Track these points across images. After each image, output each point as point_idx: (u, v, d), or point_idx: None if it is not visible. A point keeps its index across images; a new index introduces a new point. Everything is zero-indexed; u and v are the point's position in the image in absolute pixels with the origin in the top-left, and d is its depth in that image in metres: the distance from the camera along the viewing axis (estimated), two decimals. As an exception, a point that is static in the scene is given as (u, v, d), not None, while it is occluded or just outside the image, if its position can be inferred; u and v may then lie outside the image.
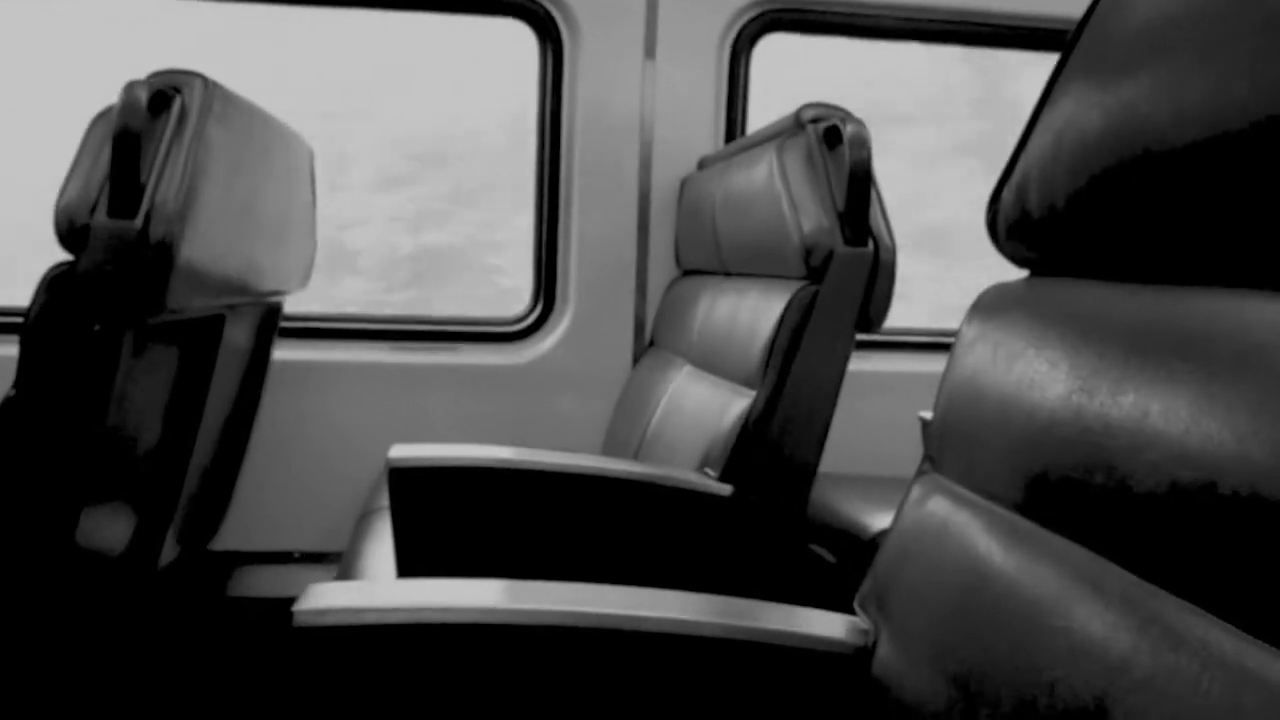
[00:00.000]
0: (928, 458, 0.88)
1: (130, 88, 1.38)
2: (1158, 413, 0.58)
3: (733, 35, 2.39)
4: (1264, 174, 0.55)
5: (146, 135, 1.37)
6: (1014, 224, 0.81)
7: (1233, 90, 0.58)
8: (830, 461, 1.75)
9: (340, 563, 1.83)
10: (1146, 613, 0.55)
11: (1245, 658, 0.49)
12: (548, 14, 2.35)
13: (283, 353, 2.26)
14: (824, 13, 2.42)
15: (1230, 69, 0.58)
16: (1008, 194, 0.83)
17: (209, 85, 1.46)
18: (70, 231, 1.34)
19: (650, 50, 2.35)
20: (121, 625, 1.74)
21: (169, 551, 1.88)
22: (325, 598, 0.81)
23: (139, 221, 1.33)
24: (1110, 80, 0.71)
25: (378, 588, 1.00)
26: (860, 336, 1.56)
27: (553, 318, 2.43)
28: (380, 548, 1.74)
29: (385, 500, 1.90)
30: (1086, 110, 0.73)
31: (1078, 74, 0.76)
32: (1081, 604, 0.59)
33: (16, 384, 1.35)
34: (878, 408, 2.13)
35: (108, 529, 1.63)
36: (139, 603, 1.81)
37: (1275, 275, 0.56)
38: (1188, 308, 0.60)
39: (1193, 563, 0.53)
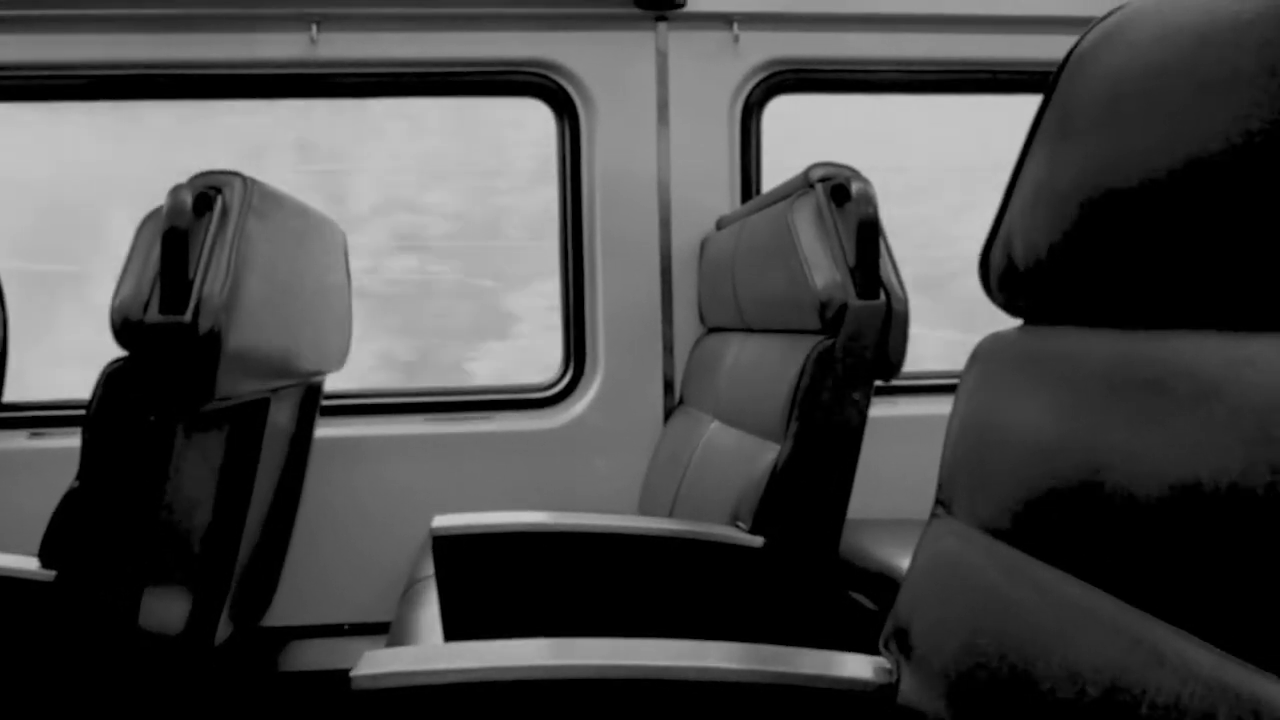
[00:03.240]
0: (939, 501, 0.92)
1: (176, 191, 1.47)
2: (1133, 450, 0.62)
3: (742, 98, 2.48)
4: (1209, 222, 0.61)
5: (192, 234, 1.46)
6: (1003, 276, 0.87)
7: (1179, 145, 0.63)
8: (863, 507, 1.79)
9: (389, 632, 1.89)
10: (1134, 636, 0.59)
11: (1222, 673, 0.53)
12: (562, 90, 2.45)
13: (324, 430, 2.34)
14: (830, 72, 2.50)
15: (1176, 126, 0.64)
16: (996, 248, 0.88)
17: (247, 183, 1.56)
18: (125, 328, 1.43)
19: (663, 116, 2.45)
20: (181, 704, 1.80)
21: (223, 629, 1.94)
22: (380, 663, 0.87)
23: (188, 316, 1.42)
24: (1077, 138, 0.77)
25: (429, 651, 1.06)
26: (881, 383, 1.61)
27: (584, 381, 2.50)
28: (427, 615, 1.79)
29: (430, 569, 1.96)
30: (1058, 167, 0.79)
31: (1050, 132, 0.82)
32: (1078, 632, 0.64)
33: (80, 474, 1.43)
34: (905, 451, 2.16)
35: (167, 610, 1.69)
36: (197, 681, 1.87)
37: (1228, 316, 0.61)
38: (1154, 349, 0.65)
39: (1172, 588, 0.58)
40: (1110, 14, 0.78)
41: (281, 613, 2.36)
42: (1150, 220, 0.66)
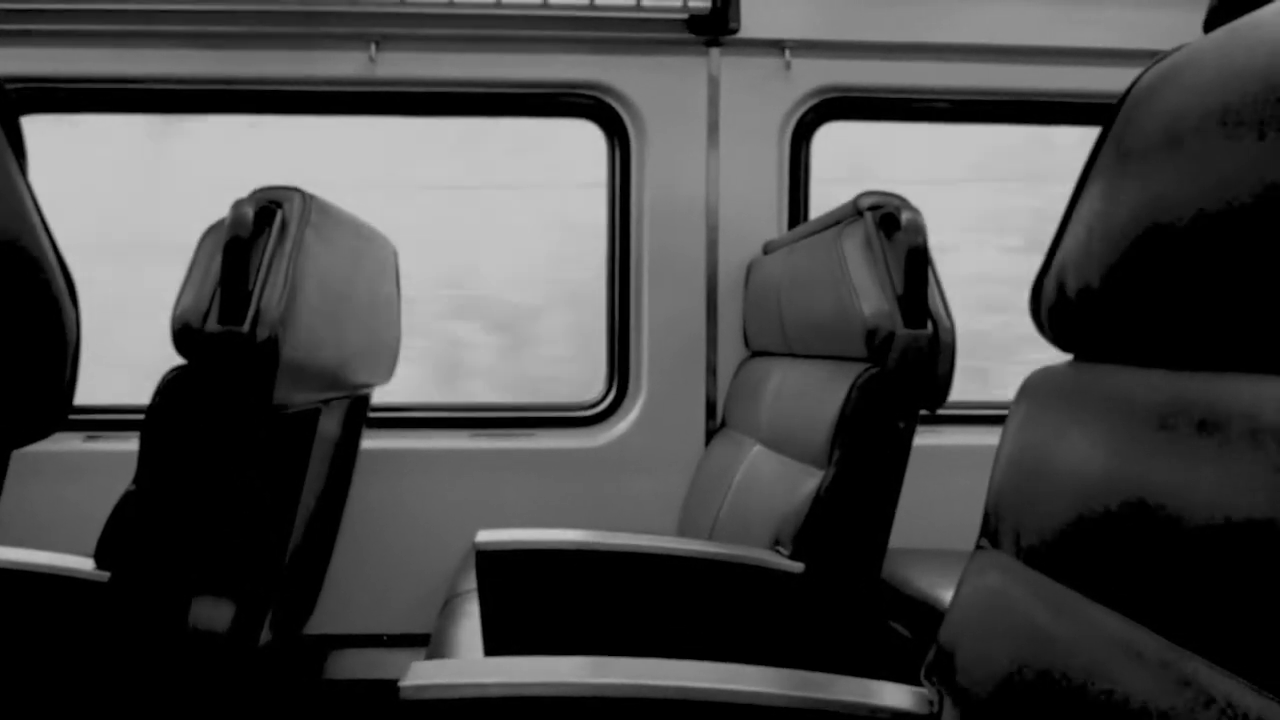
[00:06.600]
0: (984, 533, 0.92)
1: (238, 205, 1.51)
2: (1184, 489, 0.62)
3: (792, 124, 2.49)
4: (1268, 265, 0.61)
5: (253, 247, 1.49)
6: (1054, 311, 0.87)
7: (1241, 186, 0.63)
8: (905, 536, 1.79)
9: (428, 645, 1.90)
10: (1179, 675, 0.59)
11: (1269, 716, 0.53)
12: (614, 113, 2.48)
13: (370, 442, 2.38)
14: (879, 99, 2.51)
15: (1238, 166, 0.64)
16: (1048, 283, 0.88)
17: (306, 198, 1.59)
18: (185, 336, 1.46)
19: (714, 140, 2.46)
20: (226, 706, 1.83)
21: (265, 634, 1.97)
22: (427, 675, 0.89)
23: (246, 326, 1.45)
24: (1135, 174, 0.77)
25: (474, 664, 1.07)
26: (926, 412, 1.61)
27: (626, 402, 2.51)
28: (466, 629, 1.81)
29: (470, 583, 1.97)
30: (1115, 202, 0.79)
31: (1107, 167, 0.82)
32: (1122, 669, 0.64)
33: (137, 479, 1.46)
34: (948, 481, 2.15)
35: (213, 613, 1.73)
36: (241, 684, 1.90)
37: None
38: (1207, 390, 0.65)
39: (1221, 629, 0.58)
40: (1172, 51, 0.79)
41: (322, 621, 2.39)
42: (1208, 260, 0.66)
